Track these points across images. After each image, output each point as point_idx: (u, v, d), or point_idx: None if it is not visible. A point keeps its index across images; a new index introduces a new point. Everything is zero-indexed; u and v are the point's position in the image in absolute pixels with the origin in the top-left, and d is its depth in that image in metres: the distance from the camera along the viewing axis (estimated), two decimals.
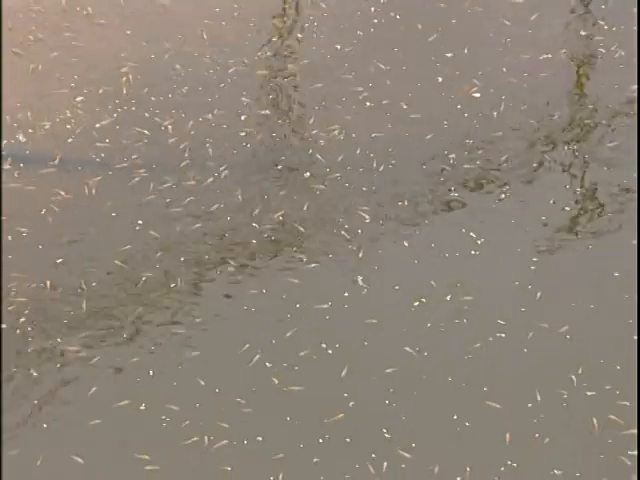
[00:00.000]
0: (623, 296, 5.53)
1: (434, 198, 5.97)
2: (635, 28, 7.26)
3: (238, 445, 5.11)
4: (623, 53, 6.66)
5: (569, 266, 5.72)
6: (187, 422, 5.12)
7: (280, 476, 5.05)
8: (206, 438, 5.12)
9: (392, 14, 6.87)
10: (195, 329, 5.53)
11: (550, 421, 5.12)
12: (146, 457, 4.96)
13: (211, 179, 6.01)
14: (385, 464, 5.03)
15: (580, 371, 5.30)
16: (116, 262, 5.73)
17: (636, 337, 5.47)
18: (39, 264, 5.77)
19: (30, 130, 6.26)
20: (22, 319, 5.52)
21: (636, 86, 6.84)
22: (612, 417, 5.15)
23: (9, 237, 5.81)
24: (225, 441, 5.14)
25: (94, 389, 5.17)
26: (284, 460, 5.09)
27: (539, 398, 5.18)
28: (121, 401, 5.10)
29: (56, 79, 6.49)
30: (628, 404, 5.18)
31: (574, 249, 5.77)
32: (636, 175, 6.20)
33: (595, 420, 5.08)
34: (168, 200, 5.95)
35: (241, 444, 5.11)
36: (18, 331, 5.45)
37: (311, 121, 6.33)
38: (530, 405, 5.18)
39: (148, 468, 4.91)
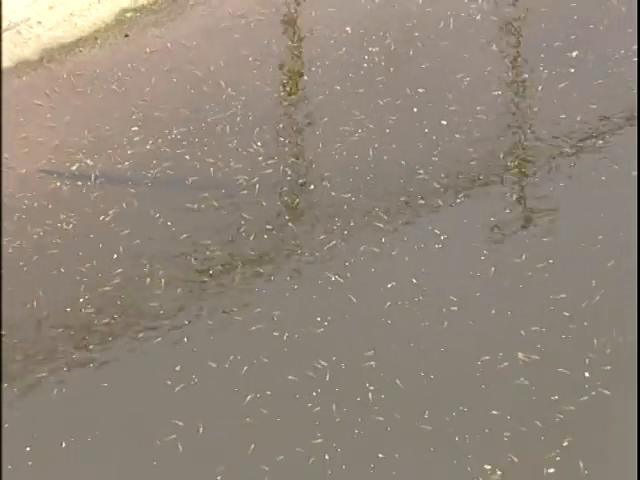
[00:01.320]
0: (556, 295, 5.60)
1: (408, 203, 6.14)
2: None
3: None
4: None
5: (514, 257, 5.82)
6: None
7: None
8: None
9: (377, 59, 6.91)
10: None
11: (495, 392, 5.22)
12: None
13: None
14: None
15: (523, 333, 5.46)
16: None
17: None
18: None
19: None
20: None
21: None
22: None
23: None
24: None
25: None
26: None
27: (486, 358, 5.36)
28: None
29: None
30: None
31: (519, 242, 5.92)
32: None
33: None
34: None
35: None
36: None
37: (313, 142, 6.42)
38: (480, 362, 5.34)
39: None
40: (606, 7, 7.31)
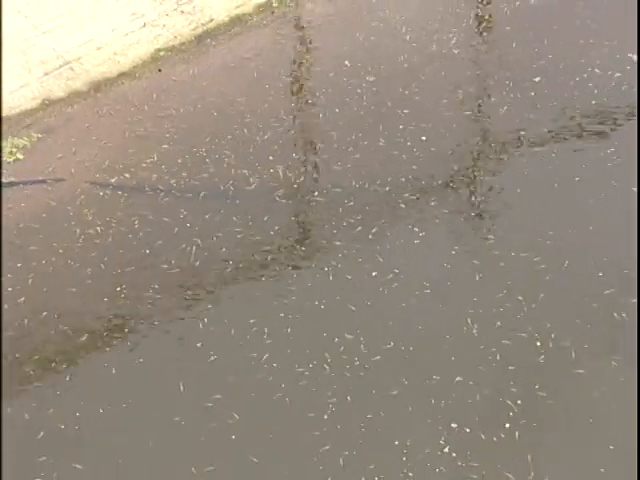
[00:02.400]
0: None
1: (390, 206, 6.00)
2: None
3: None
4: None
5: (477, 251, 5.71)
6: None
7: None
8: None
9: (374, 89, 6.77)
10: None
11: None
12: None
13: None
14: None
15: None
16: None
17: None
18: None
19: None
20: None
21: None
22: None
23: None
24: None
25: None
26: None
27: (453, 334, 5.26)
28: None
29: None
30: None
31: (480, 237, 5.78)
32: None
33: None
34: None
35: None
36: None
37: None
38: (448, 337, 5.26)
39: None
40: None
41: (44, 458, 4.83)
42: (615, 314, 5.34)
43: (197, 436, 4.88)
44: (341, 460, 4.75)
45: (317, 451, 4.81)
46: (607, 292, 5.45)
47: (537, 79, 6.81)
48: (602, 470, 4.73)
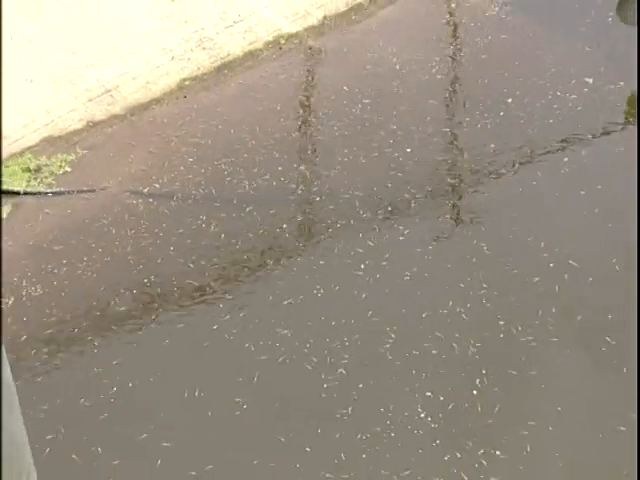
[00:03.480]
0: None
1: (379, 205, 5.98)
2: None
3: None
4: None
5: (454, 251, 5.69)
6: None
7: None
8: None
9: (369, 108, 6.69)
10: None
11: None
12: None
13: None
14: None
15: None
16: None
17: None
18: None
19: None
20: None
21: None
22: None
23: None
24: None
25: None
26: None
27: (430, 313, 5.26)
28: None
29: None
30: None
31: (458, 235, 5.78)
32: None
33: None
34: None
35: None
36: None
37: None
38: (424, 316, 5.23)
39: None
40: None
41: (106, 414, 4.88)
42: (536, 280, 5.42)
43: None
44: (338, 415, 4.81)
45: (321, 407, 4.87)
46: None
47: (509, 100, 6.82)
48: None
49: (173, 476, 4.68)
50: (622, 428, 4.80)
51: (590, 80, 6.91)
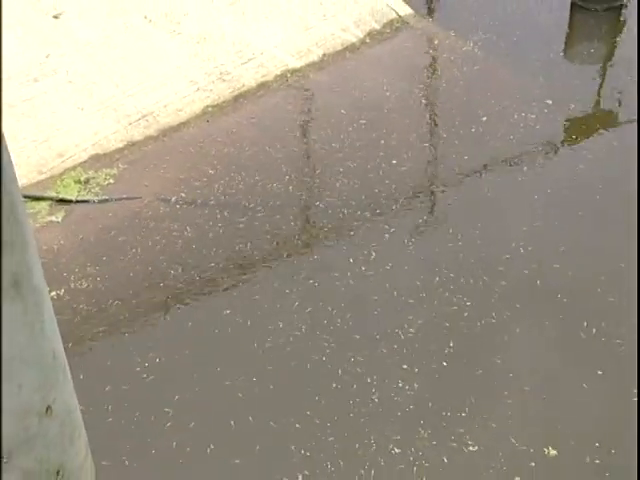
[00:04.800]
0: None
1: (369, 209, 5.94)
2: None
3: None
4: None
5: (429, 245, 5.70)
6: None
7: None
8: None
9: (363, 128, 6.64)
10: None
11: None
12: None
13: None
14: None
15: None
16: None
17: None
18: None
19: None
20: None
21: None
22: None
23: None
24: None
25: None
26: None
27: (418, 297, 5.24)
28: None
29: None
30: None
31: (433, 234, 5.77)
32: None
33: None
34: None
35: None
36: None
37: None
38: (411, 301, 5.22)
39: None
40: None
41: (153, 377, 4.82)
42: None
43: None
44: (334, 384, 4.76)
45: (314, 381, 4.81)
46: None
47: (483, 119, 6.84)
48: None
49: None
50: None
51: (550, 101, 6.97)
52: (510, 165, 6.26)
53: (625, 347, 4.87)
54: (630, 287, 5.22)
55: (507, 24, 7.49)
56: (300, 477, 4.31)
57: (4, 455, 2.93)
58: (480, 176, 6.20)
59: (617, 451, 4.35)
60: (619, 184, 5.97)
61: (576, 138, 6.44)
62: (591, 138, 6.36)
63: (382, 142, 6.50)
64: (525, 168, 6.24)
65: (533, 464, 4.31)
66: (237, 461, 4.41)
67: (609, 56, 7.26)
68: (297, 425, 4.51)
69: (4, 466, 2.93)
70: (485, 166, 6.27)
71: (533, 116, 6.74)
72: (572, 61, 7.24)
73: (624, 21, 7.44)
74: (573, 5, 7.31)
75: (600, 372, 4.79)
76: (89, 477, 3.59)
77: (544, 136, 6.52)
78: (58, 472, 3.17)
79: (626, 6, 7.45)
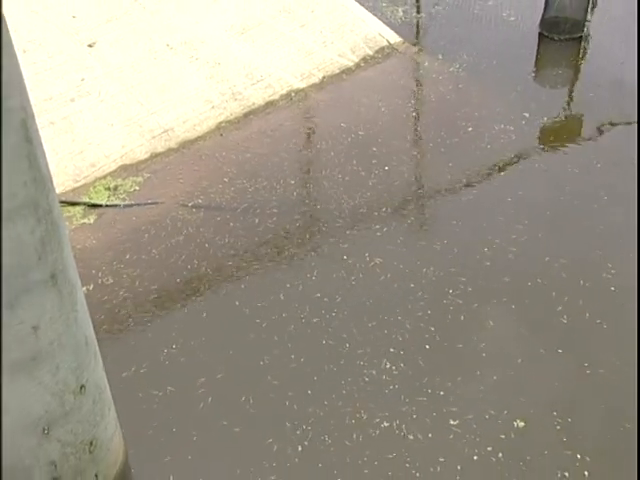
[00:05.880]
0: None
1: (363, 212, 5.95)
2: None
3: None
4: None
5: (415, 245, 5.63)
6: None
7: None
8: None
9: (360, 139, 6.64)
10: None
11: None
12: None
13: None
14: None
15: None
16: None
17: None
18: None
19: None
20: None
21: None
22: None
23: None
24: None
25: None
26: None
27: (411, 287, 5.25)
28: None
29: None
30: None
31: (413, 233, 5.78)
32: None
33: None
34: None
35: None
36: None
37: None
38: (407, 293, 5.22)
39: None
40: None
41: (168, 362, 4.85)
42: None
43: None
44: (326, 367, 4.77)
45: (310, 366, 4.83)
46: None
47: (469, 129, 6.88)
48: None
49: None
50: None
51: (527, 114, 7.02)
52: (489, 172, 6.30)
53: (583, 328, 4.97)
54: (579, 274, 5.32)
55: (487, 50, 7.61)
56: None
57: (45, 427, 3.10)
58: (460, 183, 6.21)
59: (574, 419, 4.44)
60: (590, 188, 6.06)
61: (547, 147, 6.55)
62: (563, 147, 6.45)
63: (375, 150, 6.50)
64: (502, 173, 6.30)
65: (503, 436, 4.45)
66: (237, 429, 4.49)
67: (574, 77, 7.40)
68: (309, 392, 4.57)
69: (44, 437, 3.09)
70: (465, 174, 6.30)
71: (512, 128, 6.76)
72: (542, 81, 7.38)
73: (584, 49, 7.61)
74: (540, 35, 7.66)
75: (560, 350, 4.88)
76: (118, 447, 3.72)
77: (520, 145, 6.59)
78: (91, 442, 3.32)
79: (585, 37, 7.68)
